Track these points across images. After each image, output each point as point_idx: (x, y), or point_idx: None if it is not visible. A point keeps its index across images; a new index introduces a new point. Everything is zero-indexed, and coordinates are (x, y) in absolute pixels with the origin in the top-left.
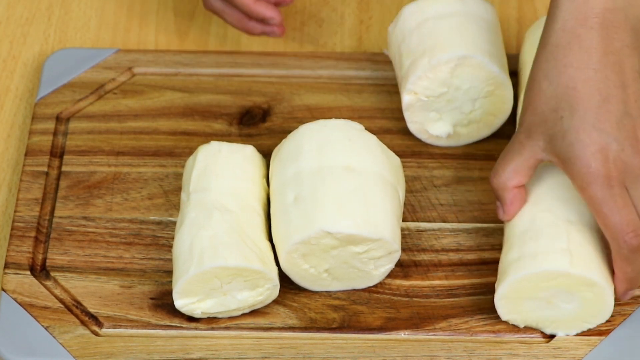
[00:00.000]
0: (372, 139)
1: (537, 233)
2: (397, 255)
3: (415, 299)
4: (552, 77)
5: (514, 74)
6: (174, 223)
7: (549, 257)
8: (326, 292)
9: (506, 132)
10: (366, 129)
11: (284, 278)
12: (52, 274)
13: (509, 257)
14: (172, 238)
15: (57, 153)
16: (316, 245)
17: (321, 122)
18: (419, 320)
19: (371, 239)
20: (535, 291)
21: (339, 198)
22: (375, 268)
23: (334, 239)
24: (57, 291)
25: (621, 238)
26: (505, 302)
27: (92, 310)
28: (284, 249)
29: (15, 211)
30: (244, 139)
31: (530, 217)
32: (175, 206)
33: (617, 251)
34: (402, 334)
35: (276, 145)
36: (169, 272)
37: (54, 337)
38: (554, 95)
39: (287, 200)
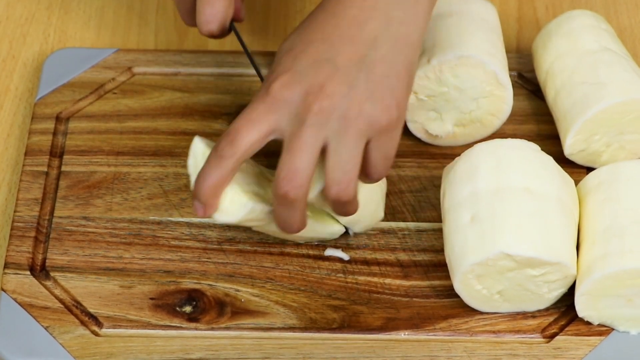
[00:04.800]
0: (549, 160)
1: (621, 230)
2: (572, 279)
3: (415, 299)
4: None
5: (516, 75)
6: (174, 223)
7: (636, 254)
8: (326, 293)
9: (506, 132)
10: None
11: (282, 275)
12: (52, 274)
13: (592, 254)
14: (172, 238)
15: (57, 153)
16: (493, 267)
17: (496, 142)
18: (419, 320)
19: (550, 262)
20: (618, 289)
21: (518, 220)
22: (548, 291)
23: (513, 261)
24: (57, 291)
25: (223, 143)
26: (586, 298)
27: (92, 311)
28: (459, 270)
29: (15, 211)
30: None
31: (612, 214)
32: (175, 206)
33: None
34: (402, 334)
35: (276, 145)
36: (169, 272)
37: (54, 337)
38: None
39: (463, 220)
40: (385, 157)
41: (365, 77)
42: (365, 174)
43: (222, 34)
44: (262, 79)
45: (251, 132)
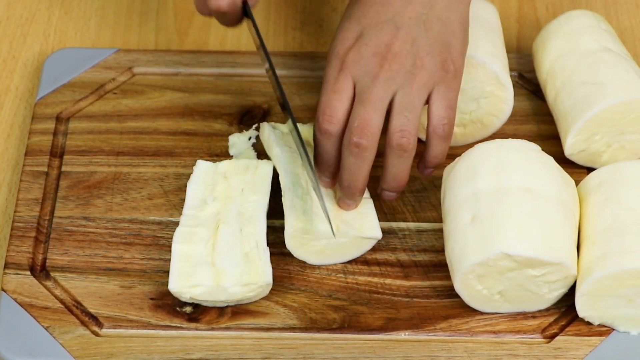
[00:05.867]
0: (550, 160)
1: (622, 230)
2: (572, 279)
3: (415, 299)
4: None
5: (516, 75)
6: (175, 223)
7: (636, 254)
8: (327, 293)
9: (507, 132)
10: None
11: (282, 275)
12: (52, 274)
13: (592, 253)
14: (172, 238)
15: (57, 153)
16: (493, 267)
17: (497, 142)
18: (419, 320)
19: (551, 263)
20: (619, 289)
21: (519, 220)
22: (549, 292)
23: (513, 261)
24: (57, 291)
25: (319, 116)
26: (587, 298)
27: (92, 311)
28: (459, 270)
29: (15, 211)
30: None
31: (613, 214)
32: (175, 206)
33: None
34: (403, 335)
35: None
36: (169, 273)
37: (54, 337)
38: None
39: (463, 220)
40: (448, 105)
41: (424, 34)
42: (430, 126)
43: (232, 13)
44: (274, 71)
45: (342, 101)
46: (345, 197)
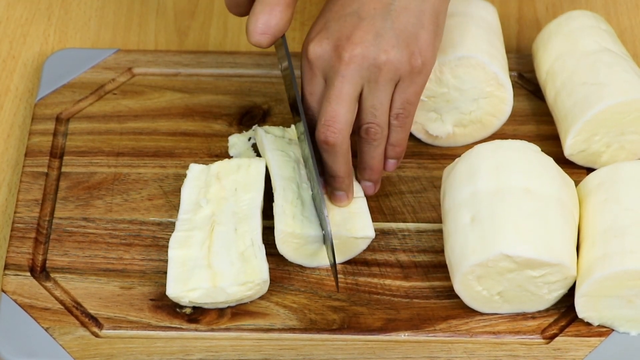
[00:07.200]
0: (549, 160)
1: (622, 231)
2: (572, 280)
3: (415, 300)
4: None
5: (516, 75)
6: (174, 224)
7: (636, 255)
8: (326, 294)
9: (506, 133)
10: None
11: (282, 276)
12: (52, 275)
13: (592, 254)
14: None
15: (57, 154)
16: (493, 268)
17: (497, 143)
18: (419, 321)
19: (550, 263)
20: (619, 289)
21: (518, 221)
22: (548, 292)
23: (513, 262)
24: (57, 292)
25: (308, 119)
26: (586, 299)
27: (92, 312)
28: (459, 271)
29: (15, 212)
30: None
31: (613, 214)
32: (175, 207)
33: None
34: (402, 335)
35: None
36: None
37: (54, 338)
38: None
39: (463, 221)
40: (406, 100)
41: (390, 26)
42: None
43: (267, 46)
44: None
45: (317, 102)
46: (334, 190)
